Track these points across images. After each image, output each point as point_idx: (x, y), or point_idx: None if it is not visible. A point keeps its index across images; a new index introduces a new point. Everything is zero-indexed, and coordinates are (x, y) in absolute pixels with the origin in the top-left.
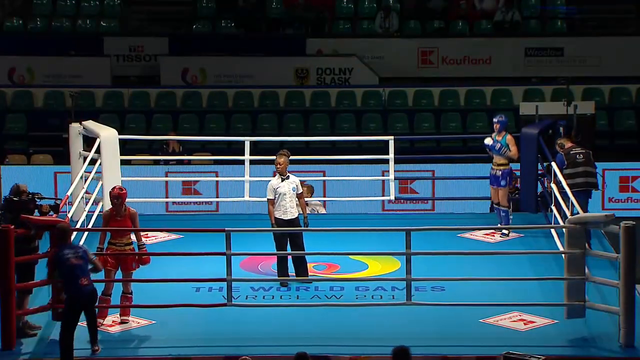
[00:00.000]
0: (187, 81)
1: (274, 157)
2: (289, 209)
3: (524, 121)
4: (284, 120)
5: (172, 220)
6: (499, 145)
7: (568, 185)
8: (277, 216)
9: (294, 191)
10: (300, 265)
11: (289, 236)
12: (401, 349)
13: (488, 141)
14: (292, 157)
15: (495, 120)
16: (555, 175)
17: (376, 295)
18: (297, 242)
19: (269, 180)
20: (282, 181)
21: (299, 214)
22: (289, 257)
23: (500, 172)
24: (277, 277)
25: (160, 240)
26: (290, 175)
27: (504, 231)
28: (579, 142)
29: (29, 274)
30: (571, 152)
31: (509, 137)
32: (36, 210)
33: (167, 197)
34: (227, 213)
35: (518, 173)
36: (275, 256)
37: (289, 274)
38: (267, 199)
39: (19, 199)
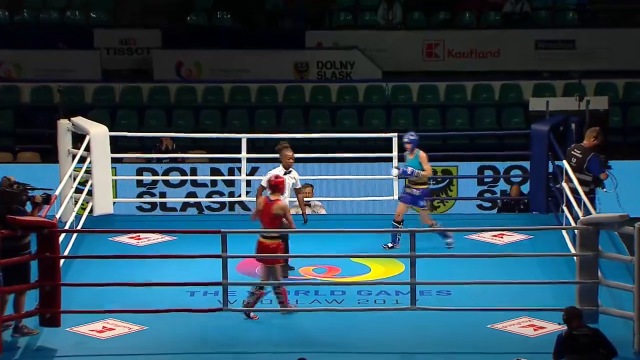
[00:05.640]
0: (182, 75)
1: (272, 155)
2: None
3: (534, 117)
4: (282, 117)
5: (165, 222)
6: (410, 169)
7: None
8: None
9: (292, 187)
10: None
11: None
12: None
13: (395, 173)
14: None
15: (405, 139)
16: (567, 174)
17: (379, 300)
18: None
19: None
20: (283, 174)
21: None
22: None
23: (419, 192)
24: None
25: (152, 242)
26: (292, 169)
27: (450, 240)
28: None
29: (23, 274)
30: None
31: (421, 154)
32: (28, 202)
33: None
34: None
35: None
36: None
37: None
38: (260, 185)
39: (11, 190)
